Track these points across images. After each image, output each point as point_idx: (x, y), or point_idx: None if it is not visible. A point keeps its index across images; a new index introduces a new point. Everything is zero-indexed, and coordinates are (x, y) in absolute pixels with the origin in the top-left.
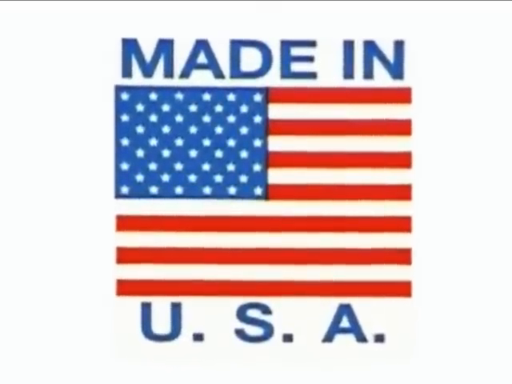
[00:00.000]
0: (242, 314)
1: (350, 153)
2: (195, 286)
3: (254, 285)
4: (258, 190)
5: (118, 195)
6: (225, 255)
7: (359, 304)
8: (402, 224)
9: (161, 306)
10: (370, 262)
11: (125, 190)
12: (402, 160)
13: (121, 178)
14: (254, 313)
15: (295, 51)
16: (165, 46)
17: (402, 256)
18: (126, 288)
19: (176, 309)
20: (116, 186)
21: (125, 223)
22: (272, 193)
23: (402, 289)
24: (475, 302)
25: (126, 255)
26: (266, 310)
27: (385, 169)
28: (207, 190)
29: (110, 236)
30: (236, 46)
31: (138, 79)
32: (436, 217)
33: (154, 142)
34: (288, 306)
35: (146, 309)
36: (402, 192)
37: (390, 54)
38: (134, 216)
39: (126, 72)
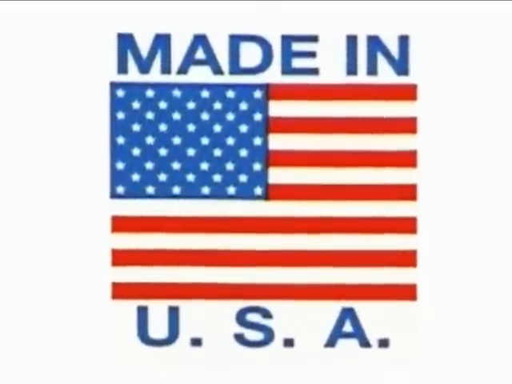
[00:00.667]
0: (241, 318)
1: (353, 151)
2: (193, 289)
3: (253, 288)
4: (258, 190)
5: (114, 195)
6: (224, 257)
7: (363, 308)
8: (407, 225)
9: (158, 310)
10: (374, 264)
11: (120, 189)
12: (407, 159)
13: (116, 177)
14: (253, 317)
15: (296, 46)
16: (162, 41)
17: (407, 258)
18: (121, 291)
19: (173, 312)
20: (111, 186)
21: (120, 224)
22: (272, 193)
23: (407, 292)
24: (482, 306)
25: (121, 257)
26: (266, 314)
27: (389, 168)
28: (206, 190)
29: (104, 237)
30: (235, 41)
31: (134, 75)
32: (442, 217)
33: (150, 140)
34: (289, 310)
35: (143, 313)
36: (407, 192)
37: (394, 50)
38: (129, 217)
39: (122, 68)
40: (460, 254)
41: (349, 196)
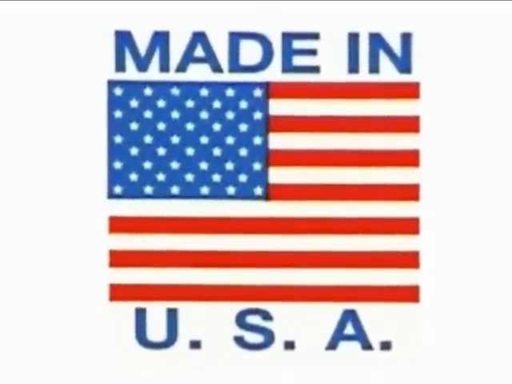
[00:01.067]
0: (241, 320)
1: (355, 151)
2: (192, 291)
3: (253, 289)
4: (258, 190)
5: (111, 195)
6: (223, 258)
7: (364, 310)
8: (410, 225)
9: (156, 312)
10: (376, 265)
11: (118, 189)
12: (410, 158)
13: (114, 177)
14: (253, 319)
15: (297, 44)
16: (160, 39)
17: (410, 259)
18: (119, 293)
19: (172, 315)
20: (109, 186)
21: (118, 225)
22: (273, 193)
23: (410, 294)
24: (487, 307)
25: (119, 258)
26: (266, 316)
27: (391, 168)
28: (205, 190)
29: (102, 238)
30: (235, 38)
31: (131, 73)
32: (445, 218)
33: (148, 139)
34: (290, 312)
35: (141, 315)
36: (410, 192)
37: (396, 47)
38: (127, 217)
39: (120, 66)
40: (463, 254)
41: (350, 196)
